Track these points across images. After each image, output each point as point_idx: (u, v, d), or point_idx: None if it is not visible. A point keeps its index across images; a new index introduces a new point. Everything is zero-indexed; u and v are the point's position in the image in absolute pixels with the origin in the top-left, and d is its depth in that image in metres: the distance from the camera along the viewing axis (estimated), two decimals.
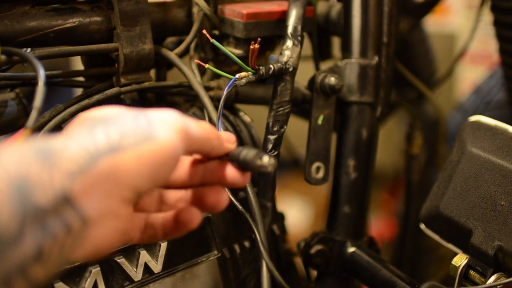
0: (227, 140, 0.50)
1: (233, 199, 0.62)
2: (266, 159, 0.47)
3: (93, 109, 0.45)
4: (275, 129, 0.67)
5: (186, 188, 0.51)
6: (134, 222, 0.48)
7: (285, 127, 0.67)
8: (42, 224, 0.36)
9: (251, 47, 0.60)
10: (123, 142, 0.40)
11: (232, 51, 0.73)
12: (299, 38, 0.69)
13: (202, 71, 0.80)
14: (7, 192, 0.35)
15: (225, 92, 0.61)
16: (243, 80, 0.62)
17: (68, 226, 0.37)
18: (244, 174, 0.50)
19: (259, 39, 0.60)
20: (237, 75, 0.62)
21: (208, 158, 0.51)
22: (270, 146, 0.67)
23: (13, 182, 0.35)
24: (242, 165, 0.49)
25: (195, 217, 0.49)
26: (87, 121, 0.43)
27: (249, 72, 0.63)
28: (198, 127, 0.46)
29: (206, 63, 0.78)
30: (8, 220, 0.35)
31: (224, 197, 0.50)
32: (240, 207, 0.62)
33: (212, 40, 0.61)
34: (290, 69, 0.67)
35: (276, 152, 0.67)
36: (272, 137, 0.67)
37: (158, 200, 0.51)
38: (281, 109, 0.67)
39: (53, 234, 0.37)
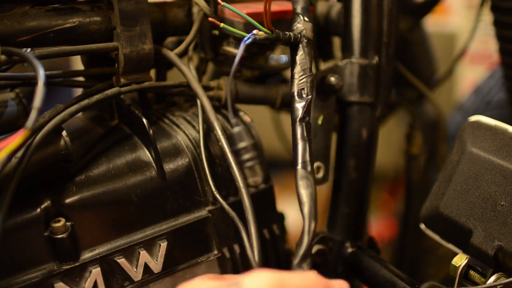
0: None
1: (224, 204, 0.62)
2: None
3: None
4: (303, 96, 0.63)
5: None
6: None
7: (311, 95, 0.64)
8: None
9: (264, 4, 0.58)
10: None
11: (232, 51, 0.73)
12: (310, 15, 0.67)
13: (203, 71, 0.80)
14: None
15: (242, 47, 0.58)
16: (261, 36, 0.61)
17: None
18: None
19: None
20: (254, 31, 0.60)
21: None
22: (299, 114, 0.62)
23: None
24: None
25: None
26: None
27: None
28: None
29: (206, 63, 0.79)
30: None
31: None
32: (232, 212, 0.62)
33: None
34: (305, 40, 0.65)
35: (308, 118, 0.63)
36: (299, 105, 0.63)
37: None
38: (303, 76, 0.64)
39: None
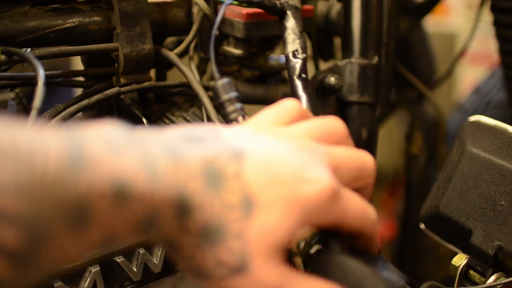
0: None
1: None
2: None
3: None
4: (297, 56, 0.65)
5: None
6: None
7: (305, 54, 0.65)
8: None
9: None
10: None
11: (232, 51, 0.73)
12: None
13: (203, 71, 0.80)
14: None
15: (223, 8, 0.60)
16: None
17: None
18: None
19: None
20: None
21: None
22: (296, 71, 0.64)
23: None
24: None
25: None
26: None
27: None
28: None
29: (206, 63, 0.79)
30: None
31: None
32: None
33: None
34: (293, 8, 0.66)
35: (305, 76, 0.65)
36: (296, 64, 0.64)
37: None
38: (296, 38, 0.65)
39: None
